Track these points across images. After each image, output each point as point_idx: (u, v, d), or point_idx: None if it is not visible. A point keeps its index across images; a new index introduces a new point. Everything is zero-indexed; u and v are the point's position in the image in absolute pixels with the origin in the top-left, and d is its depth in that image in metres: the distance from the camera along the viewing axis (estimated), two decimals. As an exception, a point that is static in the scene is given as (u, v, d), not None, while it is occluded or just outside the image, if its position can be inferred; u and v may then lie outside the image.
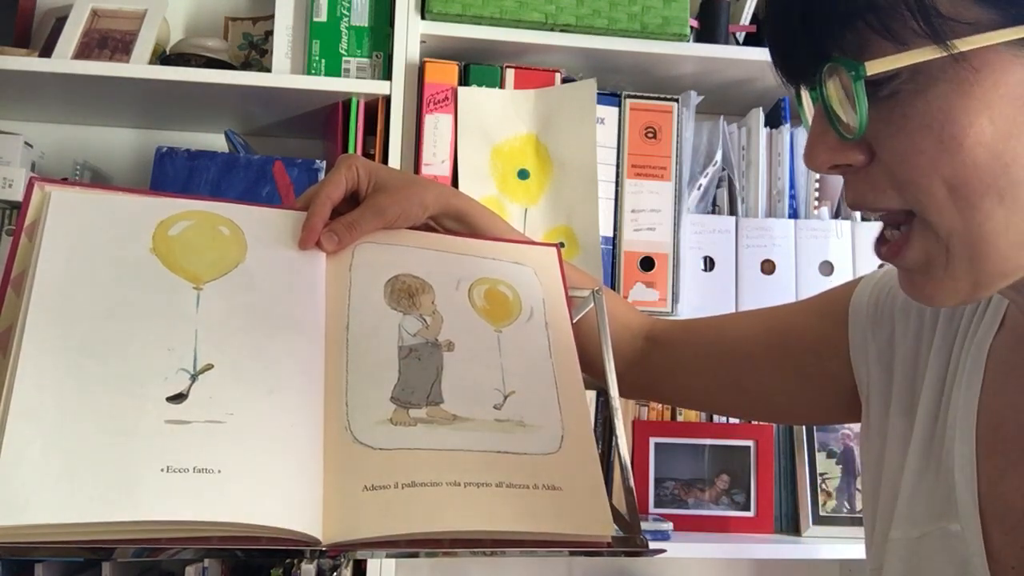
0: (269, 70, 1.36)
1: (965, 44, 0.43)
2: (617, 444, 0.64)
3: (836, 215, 1.43)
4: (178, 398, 0.53)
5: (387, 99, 1.31)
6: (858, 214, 1.40)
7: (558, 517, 0.56)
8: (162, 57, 1.41)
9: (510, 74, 1.35)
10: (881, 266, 0.64)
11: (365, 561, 1.23)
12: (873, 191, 0.49)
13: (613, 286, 1.33)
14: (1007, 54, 0.44)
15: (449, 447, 0.57)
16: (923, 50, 0.44)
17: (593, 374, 0.68)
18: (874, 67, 0.45)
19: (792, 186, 1.41)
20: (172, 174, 1.30)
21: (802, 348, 0.72)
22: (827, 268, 1.38)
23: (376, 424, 0.56)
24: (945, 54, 0.43)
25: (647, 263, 1.34)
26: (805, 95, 0.52)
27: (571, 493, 0.57)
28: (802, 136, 1.41)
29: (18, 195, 1.31)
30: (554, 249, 0.73)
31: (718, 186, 1.42)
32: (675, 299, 1.34)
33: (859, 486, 1.39)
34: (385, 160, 1.29)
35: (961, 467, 0.55)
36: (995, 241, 0.46)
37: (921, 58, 0.44)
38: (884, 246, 0.51)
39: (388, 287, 0.64)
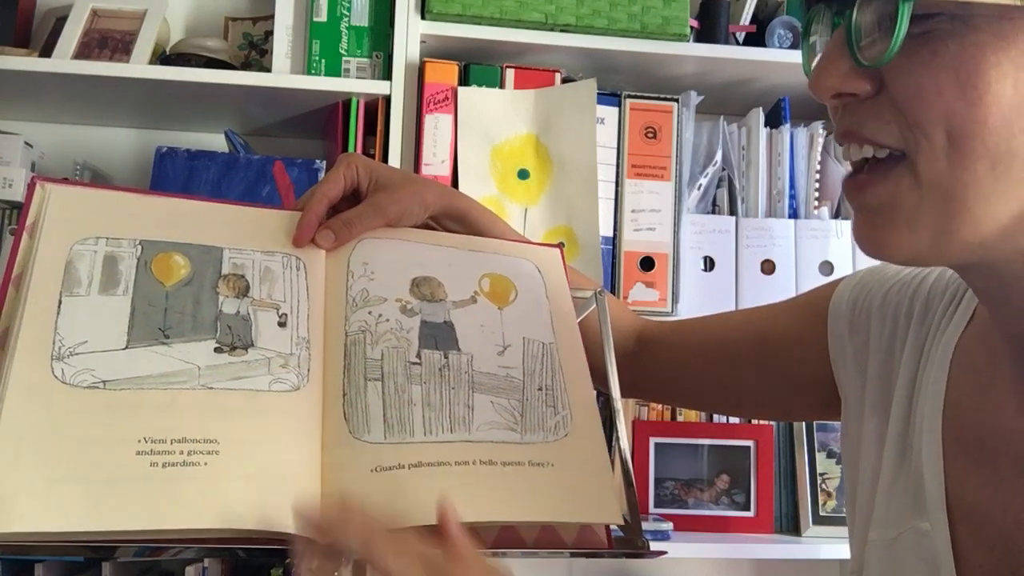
0: (269, 70, 1.36)
1: None
2: (618, 444, 0.64)
3: (836, 215, 1.42)
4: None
5: (387, 99, 1.31)
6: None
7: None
8: (162, 57, 1.41)
9: (510, 74, 1.35)
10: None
11: (365, 561, 1.23)
12: (874, 121, 0.47)
13: (613, 286, 1.33)
14: None
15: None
16: None
17: (592, 375, 0.68)
18: None
19: (792, 186, 1.41)
20: (172, 174, 1.30)
21: (783, 348, 0.72)
22: (827, 268, 1.38)
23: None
24: (1014, 2, 0.41)
25: (647, 263, 1.34)
26: (822, 16, 0.50)
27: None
28: (802, 136, 1.41)
29: (18, 195, 1.31)
30: (557, 249, 0.73)
31: (718, 186, 1.42)
32: (675, 299, 1.34)
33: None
34: (385, 160, 1.29)
35: (928, 466, 0.55)
36: (973, 204, 0.45)
37: None
38: (851, 182, 0.50)
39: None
